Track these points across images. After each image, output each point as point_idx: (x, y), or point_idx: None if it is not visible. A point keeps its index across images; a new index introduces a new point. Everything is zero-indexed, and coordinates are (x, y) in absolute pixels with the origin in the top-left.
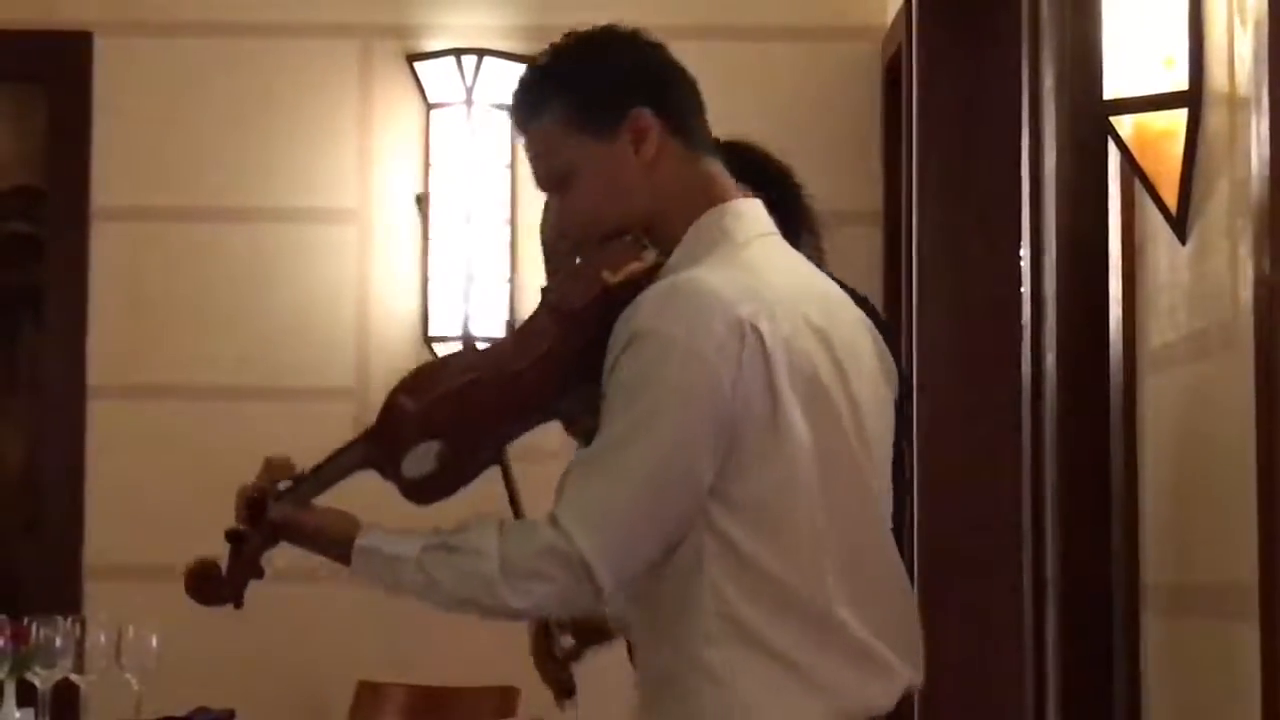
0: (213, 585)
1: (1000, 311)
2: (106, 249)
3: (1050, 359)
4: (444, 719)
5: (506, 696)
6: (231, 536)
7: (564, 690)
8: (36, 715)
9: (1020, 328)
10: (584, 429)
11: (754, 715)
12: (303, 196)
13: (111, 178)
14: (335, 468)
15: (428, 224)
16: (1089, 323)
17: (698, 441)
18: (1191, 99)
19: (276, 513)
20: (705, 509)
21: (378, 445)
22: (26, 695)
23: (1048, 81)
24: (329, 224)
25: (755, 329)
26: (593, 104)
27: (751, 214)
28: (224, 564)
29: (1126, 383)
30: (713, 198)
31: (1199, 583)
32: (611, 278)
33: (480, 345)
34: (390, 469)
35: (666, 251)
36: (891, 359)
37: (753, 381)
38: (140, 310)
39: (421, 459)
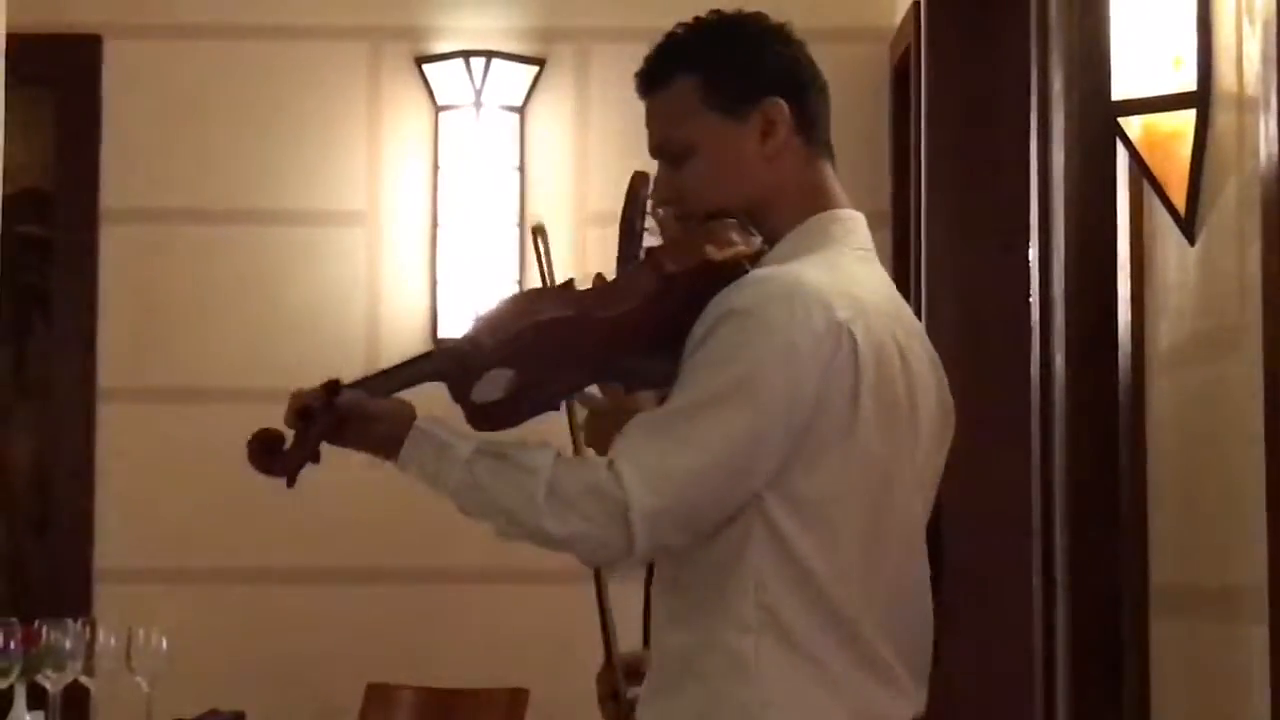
0: (272, 456)
1: (1009, 312)
2: (116, 251)
3: (1059, 360)
4: None
5: (516, 698)
6: (302, 414)
7: None
8: (46, 718)
9: (1029, 328)
10: (624, 408)
11: (774, 710)
12: (312, 199)
13: (121, 180)
14: (408, 372)
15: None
16: (1098, 323)
17: (770, 430)
18: (1200, 99)
19: (346, 398)
20: (760, 497)
21: (454, 362)
22: (37, 698)
23: (1056, 82)
24: (338, 226)
25: (851, 334)
26: (730, 84)
27: (856, 227)
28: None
29: (1135, 383)
30: (823, 202)
31: (1208, 585)
32: (716, 254)
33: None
34: (461, 388)
35: (769, 242)
36: (950, 397)
37: (839, 383)
38: (150, 313)
39: (492, 384)
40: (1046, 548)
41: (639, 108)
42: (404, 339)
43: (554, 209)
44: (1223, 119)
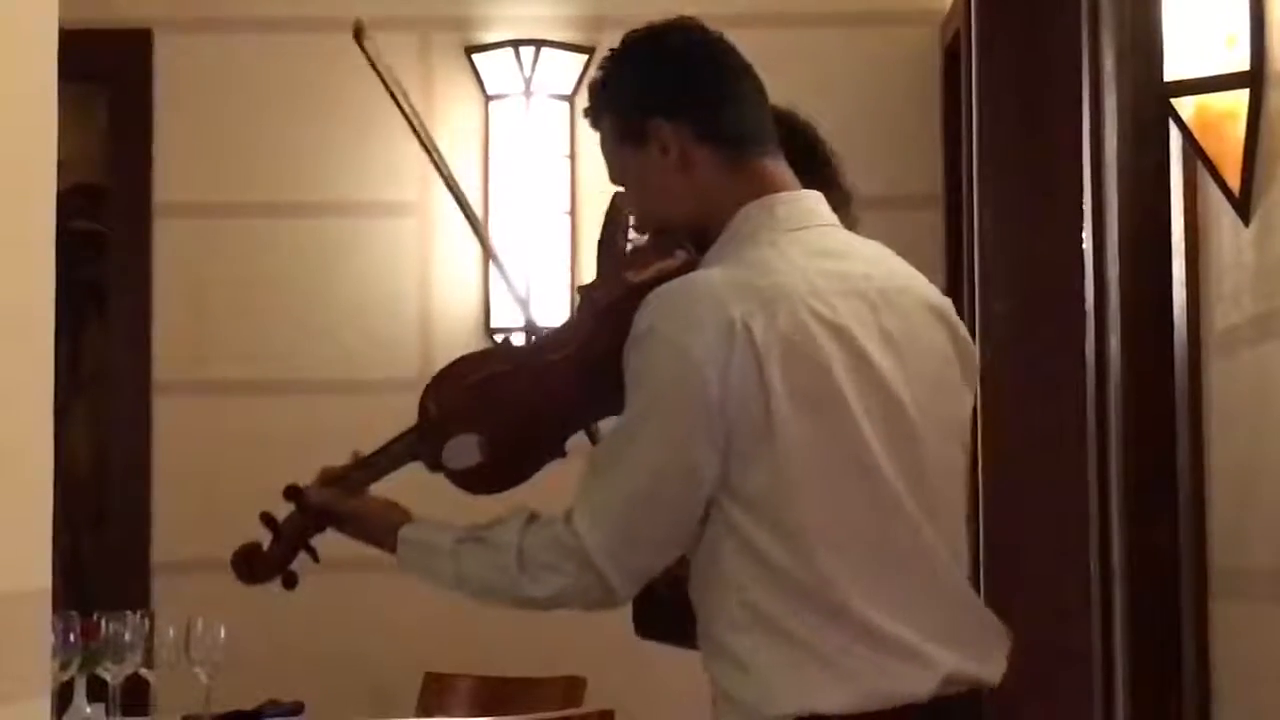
0: (254, 563)
1: (1063, 295)
2: (169, 245)
3: (1114, 342)
4: (510, 709)
5: (572, 686)
6: (264, 518)
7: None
8: (107, 710)
9: (1083, 311)
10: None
11: (775, 698)
12: (363, 190)
13: (173, 174)
14: (385, 457)
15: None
16: (1152, 306)
17: (689, 439)
18: (1253, 79)
19: (316, 496)
20: (719, 502)
21: (420, 436)
22: (97, 690)
23: (1108, 63)
24: (390, 217)
25: (747, 327)
26: (624, 118)
27: (786, 209)
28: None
29: (1191, 366)
30: (756, 194)
31: (1268, 566)
32: (635, 277)
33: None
34: (432, 460)
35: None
36: (972, 352)
37: (743, 379)
38: (203, 305)
39: (464, 450)
40: (1103, 531)
41: None
42: (457, 328)
43: (605, 198)
44: (1277, 98)
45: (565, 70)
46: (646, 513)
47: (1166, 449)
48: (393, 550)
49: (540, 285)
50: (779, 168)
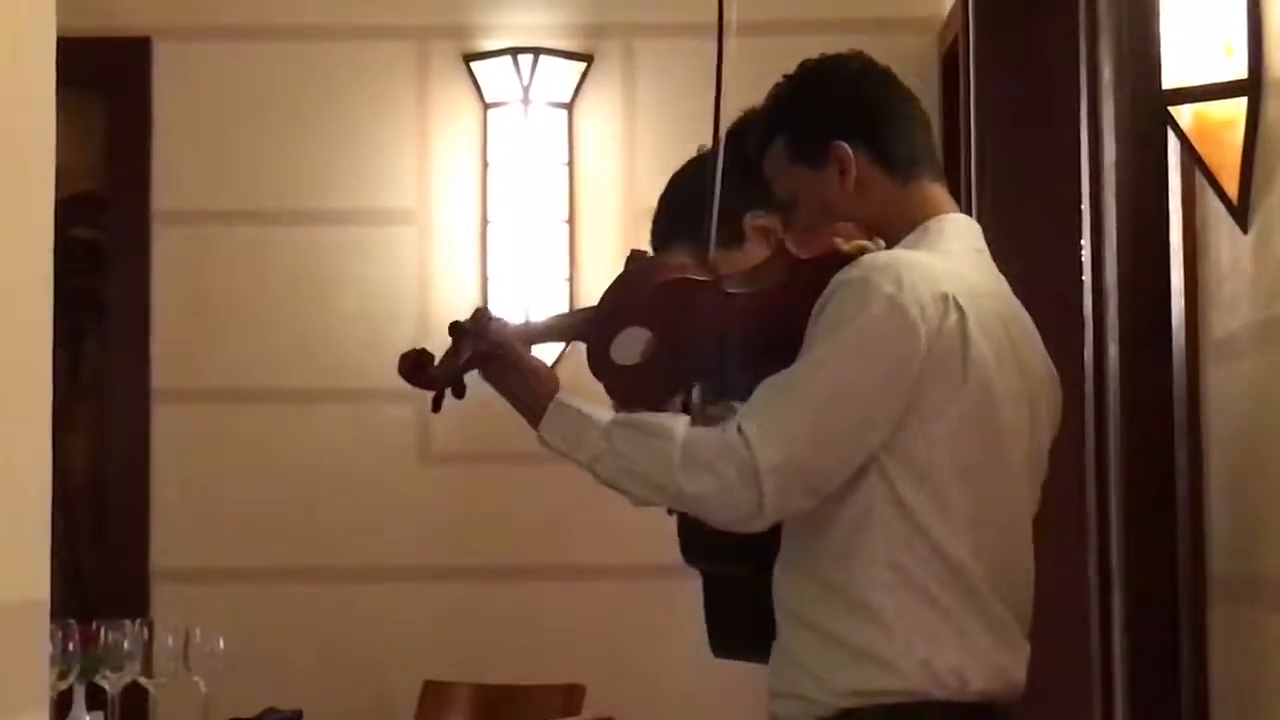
0: (421, 368)
1: (1061, 303)
2: (167, 253)
3: (1112, 350)
4: (510, 717)
5: (572, 694)
6: (453, 329)
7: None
8: (106, 718)
9: (1082, 319)
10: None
11: (915, 654)
12: (362, 198)
13: (171, 182)
14: (557, 323)
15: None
16: (1151, 313)
17: (879, 387)
18: (1251, 87)
19: (498, 327)
20: (880, 463)
21: (596, 316)
22: (96, 699)
23: (1106, 72)
24: (389, 225)
25: (959, 305)
26: (802, 139)
27: (963, 229)
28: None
29: (1190, 373)
30: (925, 215)
31: (1267, 573)
32: (843, 245)
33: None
34: (600, 347)
35: None
36: (1059, 399)
37: (949, 342)
38: (202, 314)
39: (630, 346)
40: (1102, 537)
41: (686, 103)
42: None
43: (602, 205)
44: (1275, 106)
45: (564, 78)
46: (826, 444)
47: (1165, 456)
48: (535, 413)
49: (538, 293)
50: (942, 190)
